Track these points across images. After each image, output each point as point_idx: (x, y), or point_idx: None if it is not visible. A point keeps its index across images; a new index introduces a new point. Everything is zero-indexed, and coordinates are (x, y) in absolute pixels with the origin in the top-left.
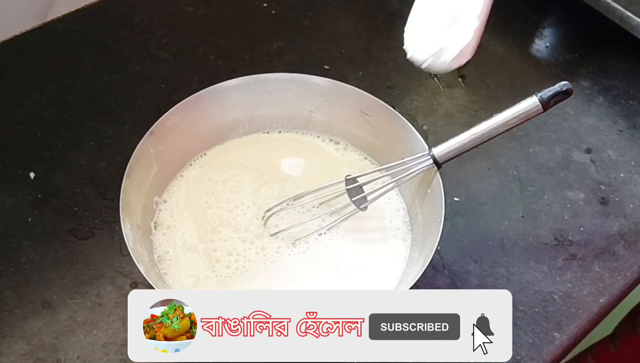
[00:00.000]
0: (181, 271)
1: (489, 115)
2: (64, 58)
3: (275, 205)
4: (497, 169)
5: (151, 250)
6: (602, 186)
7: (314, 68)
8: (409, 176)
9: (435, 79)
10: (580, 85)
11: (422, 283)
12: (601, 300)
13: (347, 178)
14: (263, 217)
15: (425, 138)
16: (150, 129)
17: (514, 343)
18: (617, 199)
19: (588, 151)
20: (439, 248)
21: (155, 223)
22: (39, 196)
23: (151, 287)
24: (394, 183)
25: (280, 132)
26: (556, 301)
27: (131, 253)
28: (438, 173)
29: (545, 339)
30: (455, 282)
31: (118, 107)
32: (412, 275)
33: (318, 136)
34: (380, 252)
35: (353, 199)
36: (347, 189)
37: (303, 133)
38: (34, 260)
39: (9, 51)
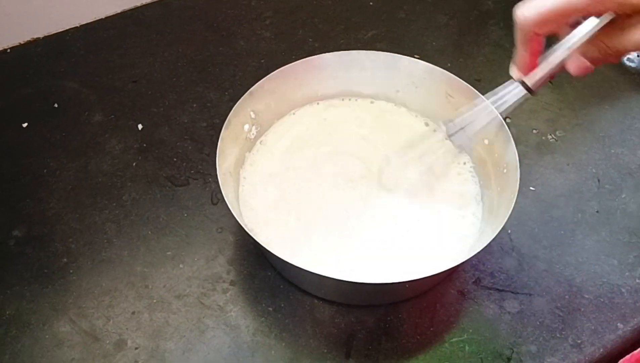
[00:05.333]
0: (263, 216)
1: (573, 114)
2: (176, 30)
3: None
4: (576, 166)
5: (238, 198)
6: None
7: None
8: (507, 105)
9: None
10: None
11: (490, 262)
12: None
13: (446, 121)
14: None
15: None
16: (250, 90)
17: (575, 328)
18: None
19: None
20: (509, 231)
21: (244, 174)
22: (144, 145)
23: (235, 233)
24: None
25: (372, 102)
26: (623, 294)
27: (223, 193)
28: (516, 151)
29: (608, 328)
30: (522, 264)
31: (221, 76)
32: (477, 249)
33: (409, 112)
34: (452, 226)
35: (457, 143)
36: (449, 135)
37: (392, 108)
38: (134, 199)
39: (129, 19)
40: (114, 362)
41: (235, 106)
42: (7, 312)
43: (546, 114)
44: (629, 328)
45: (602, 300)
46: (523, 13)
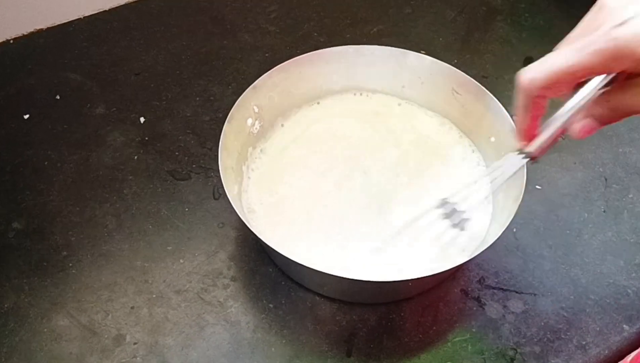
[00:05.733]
0: (266, 211)
1: None
2: (181, 22)
3: None
4: (583, 165)
5: (240, 193)
6: None
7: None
8: (506, 177)
9: None
10: None
11: (494, 261)
12: None
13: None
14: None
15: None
16: (253, 83)
17: (580, 329)
18: None
19: None
20: (514, 230)
21: (247, 169)
22: (146, 138)
23: (237, 228)
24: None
25: (378, 97)
26: (629, 295)
27: (224, 187)
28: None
29: (614, 329)
30: (527, 263)
31: (225, 70)
32: (481, 248)
33: (413, 107)
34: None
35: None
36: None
37: (398, 104)
38: (135, 193)
39: (134, 11)
40: (112, 356)
41: (238, 100)
42: (6, 305)
43: (553, 113)
44: (635, 330)
45: (607, 301)
46: (529, 76)
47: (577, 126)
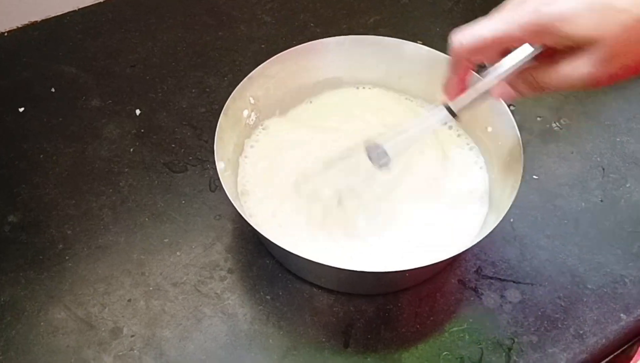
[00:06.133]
0: (263, 203)
1: (579, 102)
2: (176, 14)
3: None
4: (581, 154)
5: (237, 185)
6: None
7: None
8: (426, 126)
9: None
10: None
11: (491, 251)
12: None
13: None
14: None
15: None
16: (249, 75)
17: (577, 318)
18: None
19: None
20: (512, 220)
21: (243, 161)
22: (142, 131)
23: (233, 220)
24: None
25: (371, 88)
26: (627, 284)
27: (221, 180)
28: (520, 139)
29: (611, 318)
30: (524, 254)
31: (220, 61)
32: (478, 238)
33: (408, 100)
34: (457, 212)
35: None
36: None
37: (394, 95)
38: (132, 185)
39: (129, 3)
40: (109, 349)
41: (234, 91)
42: (2, 299)
43: (551, 102)
44: (632, 319)
45: (605, 290)
46: (459, 39)
47: (498, 91)
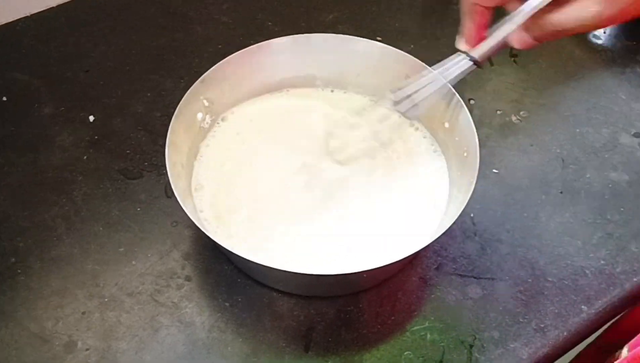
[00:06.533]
0: (217, 208)
1: (538, 93)
2: (130, 16)
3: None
4: (540, 146)
5: (192, 190)
6: None
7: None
8: (453, 76)
9: None
10: (636, 71)
11: (452, 247)
12: (635, 279)
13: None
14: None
15: (471, 112)
16: (202, 77)
17: (538, 312)
18: None
19: (637, 135)
20: (472, 215)
21: (198, 165)
22: (96, 137)
23: (190, 226)
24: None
25: (332, 91)
26: (587, 276)
27: (172, 186)
28: (476, 134)
29: (572, 311)
30: (485, 249)
31: (176, 64)
32: (437, 235)
33: (366, 97)
34: (416, 208)
35: (404, 111)
36: (395, 102)
37: (355, 93)
38: (86, 194)
39: (82, 6)
40: None
41: (186, 94)
42: None
43: (510, 95)
44: (593, 311)
45: (565, 282)
46: None
47: (516, 38)
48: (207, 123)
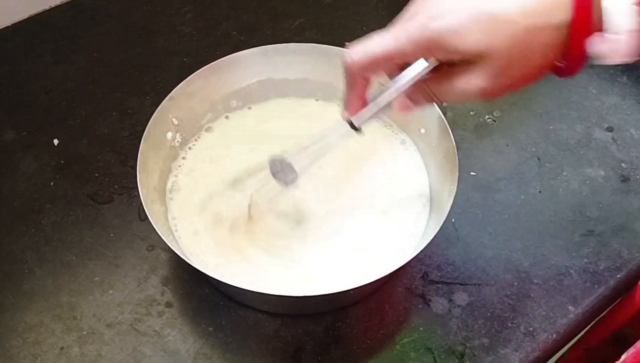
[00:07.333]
0: (194, 230)
1: (512, 97)
2: (89, 32)
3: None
4: (515, 146)
5: (166, 212)
6: (623, 164)
7: (334, 45)
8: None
9: None
10: (604, 65)
11: (436, 254)
12: (618, 276)
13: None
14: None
15: (445, 114)
16: (170, 95)
17: (526, 315)
18: (638, 176)
19: (610, 129)
20: (453, 220)
21: (171, 186)
22: (62, 161)
23: (167, 249)
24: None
25: (304, 100)
26: (572, 275)
27: (147, 213)
28: (453, 137)
29: (560, 312)
30: (468, 254)
31: (141, 80)
32: (422, 246)
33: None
34: (399, 220)
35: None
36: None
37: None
38: (55, 222)
39: (38, 24)
40: None
41: (154, 114)
42: None
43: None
44: (581, 311)
45: (551, 283)
46: (351, 57)
47: (397, 104)
48: (177, 142)
